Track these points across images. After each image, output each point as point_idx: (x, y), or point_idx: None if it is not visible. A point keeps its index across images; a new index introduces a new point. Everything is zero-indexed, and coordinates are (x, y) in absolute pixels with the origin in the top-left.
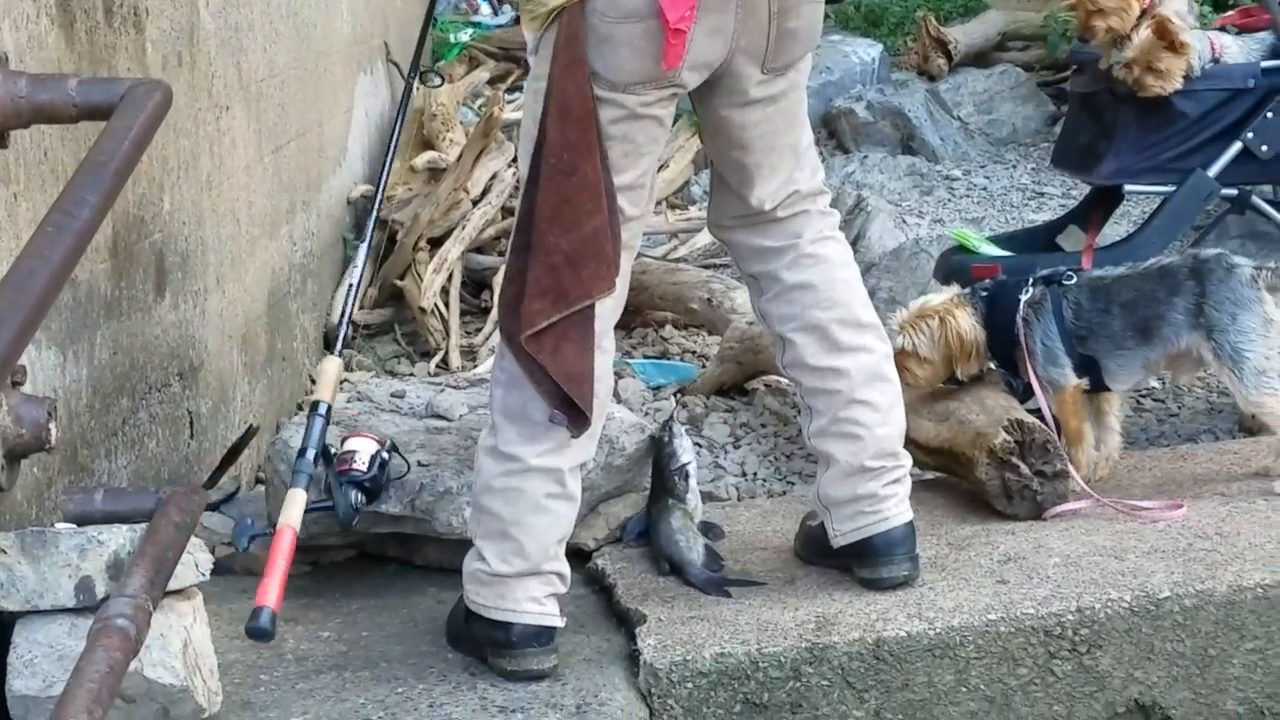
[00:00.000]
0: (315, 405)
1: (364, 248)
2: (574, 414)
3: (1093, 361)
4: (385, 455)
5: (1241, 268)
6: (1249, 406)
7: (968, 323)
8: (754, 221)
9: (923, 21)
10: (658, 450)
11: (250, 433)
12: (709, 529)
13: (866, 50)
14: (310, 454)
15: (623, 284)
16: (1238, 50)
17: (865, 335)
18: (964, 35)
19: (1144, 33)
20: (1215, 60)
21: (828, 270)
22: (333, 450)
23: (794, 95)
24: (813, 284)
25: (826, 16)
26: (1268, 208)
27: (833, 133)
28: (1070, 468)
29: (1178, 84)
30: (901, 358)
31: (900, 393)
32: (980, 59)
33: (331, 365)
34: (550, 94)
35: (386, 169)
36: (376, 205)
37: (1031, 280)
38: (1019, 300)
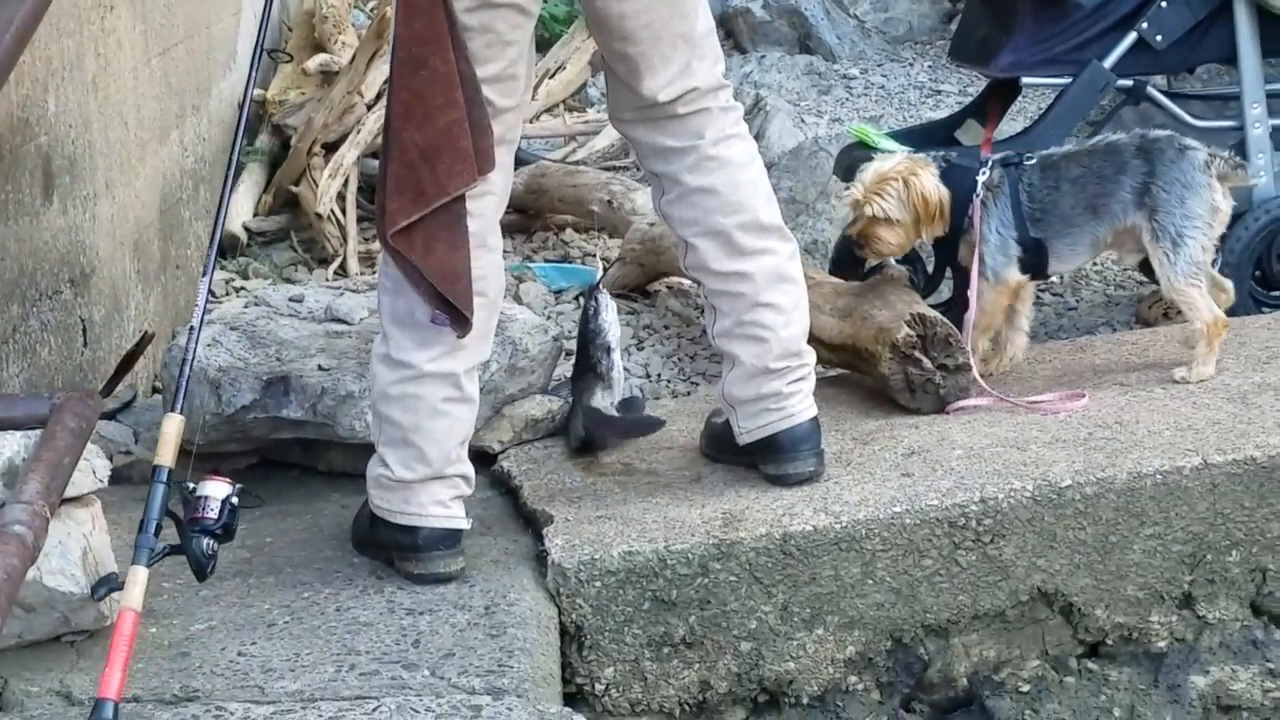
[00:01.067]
0: (155, 471)
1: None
2: (454, 314)
3: (1040, 246)
4: (234, 500)
5: (1195, 151)
6: (1172, 293)
7: (932, 182)
8: (653, 116)
9: None
10: (583, 323)
11: (145, 340)
12: (630, 404)
13: None
14: (152, 527)
15: (502, 178)
16: None
17: (769, 238)
18: None
19: None
20: None
21: (731, 173)
22: (189, 487)
23: None
24: (715, 188)
25: None
26: (1163, 99)
27: (730, 32)
28: (972, 359)
29: None
30: (871, 225)
31: (804, 291)
32: None
33: (172, 425)
34: None
35: (255, 63)
36: (244, 105)
37: (989, 161)
38: (976, 180)
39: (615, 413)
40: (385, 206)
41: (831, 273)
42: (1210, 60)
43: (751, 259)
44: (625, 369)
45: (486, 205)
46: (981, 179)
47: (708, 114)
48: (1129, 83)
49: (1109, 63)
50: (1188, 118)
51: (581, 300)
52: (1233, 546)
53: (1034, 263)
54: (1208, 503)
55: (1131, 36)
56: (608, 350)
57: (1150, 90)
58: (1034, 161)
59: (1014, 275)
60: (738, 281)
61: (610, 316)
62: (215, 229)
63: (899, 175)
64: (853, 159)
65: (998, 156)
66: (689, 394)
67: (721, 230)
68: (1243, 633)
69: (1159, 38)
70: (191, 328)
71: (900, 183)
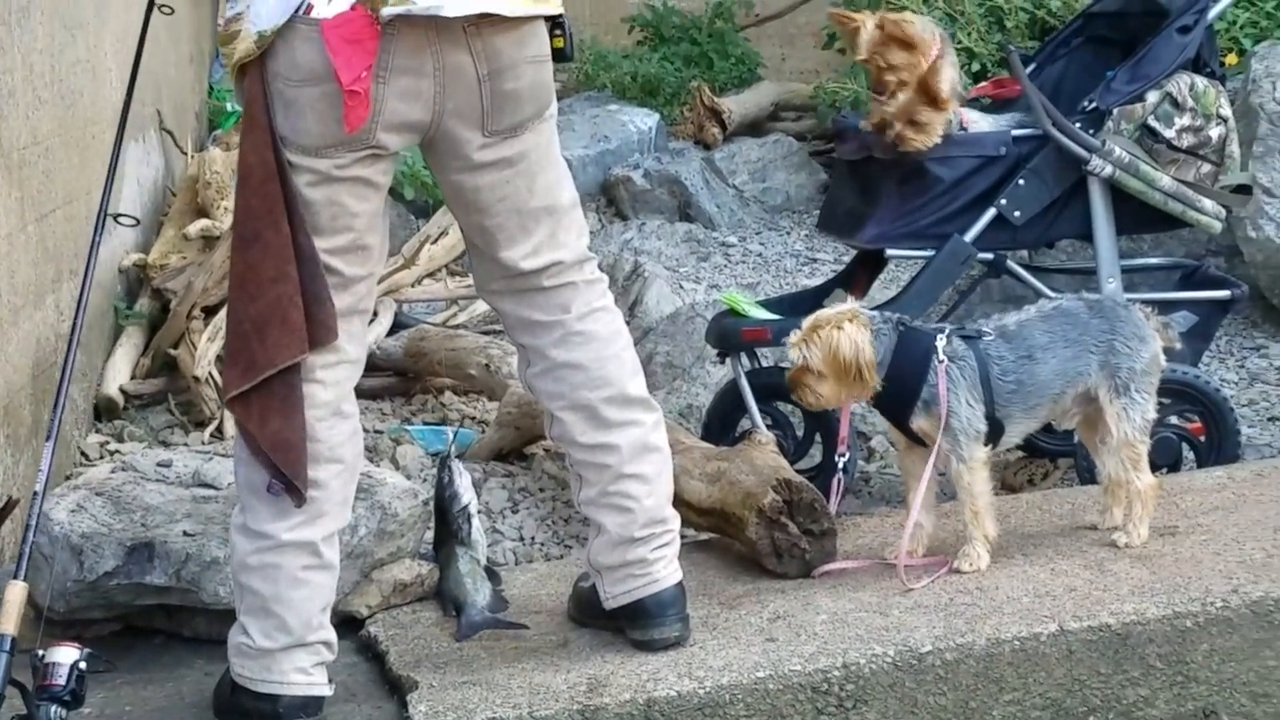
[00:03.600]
0: None
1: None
2: (289, 483)
3: (996, 422)
4: (83, 665)
5: (1134, 306)
6: (1125, 450)
7: (855, 337)
8: (519, 287)
9: (697, 91)
10: (439, 493)
11: (9, 506)
12: (492, 574)
13: (643, 120)
14: None
15: (355, 348)
16: (981, 120)
17: (634, 410)
18: (738, 105)
19: (907, 92)
20: (964, 129)
21: (597, 348)
22: (37, 654)
23: (535, 157)
24: (581, 364)
25: (603, 87)
26: (1022, 272)
27: (611, 200)
28: (905, 542)
29: (938, 138)
30: (800, 373)
31: (669, 459)
32: (754, 128)
33: (14, 592)
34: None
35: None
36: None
37: (946, 331)
38: (934, 346)
39: (483, 582)
40: (225, 375)
41: (704, 437)
42: (1067, 236)
43: (617, 432)
44: (498, 532)
45: (339, 374)
46: (941, 345)
47: (573, 288)
48: (990, 256)
49: (970, 236)
50: (1047, 291)
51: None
52: (1090, 713)
53: (989, 439)
54: (1065, 669)
55: (991, 212)
56: (468, 516)
57: (1010, 264)
58: (993, 336)
59: (982, 449)
60: (603, 454)
61: (465, 483)
62: (59, 393)
63: (829, 322)
64: (723, 327)
65: (955, 328)
66: (562, 557)
67: (587, 404)
68: None
69: (1017, 214)
70: (36, 494)
71: (827, 329)
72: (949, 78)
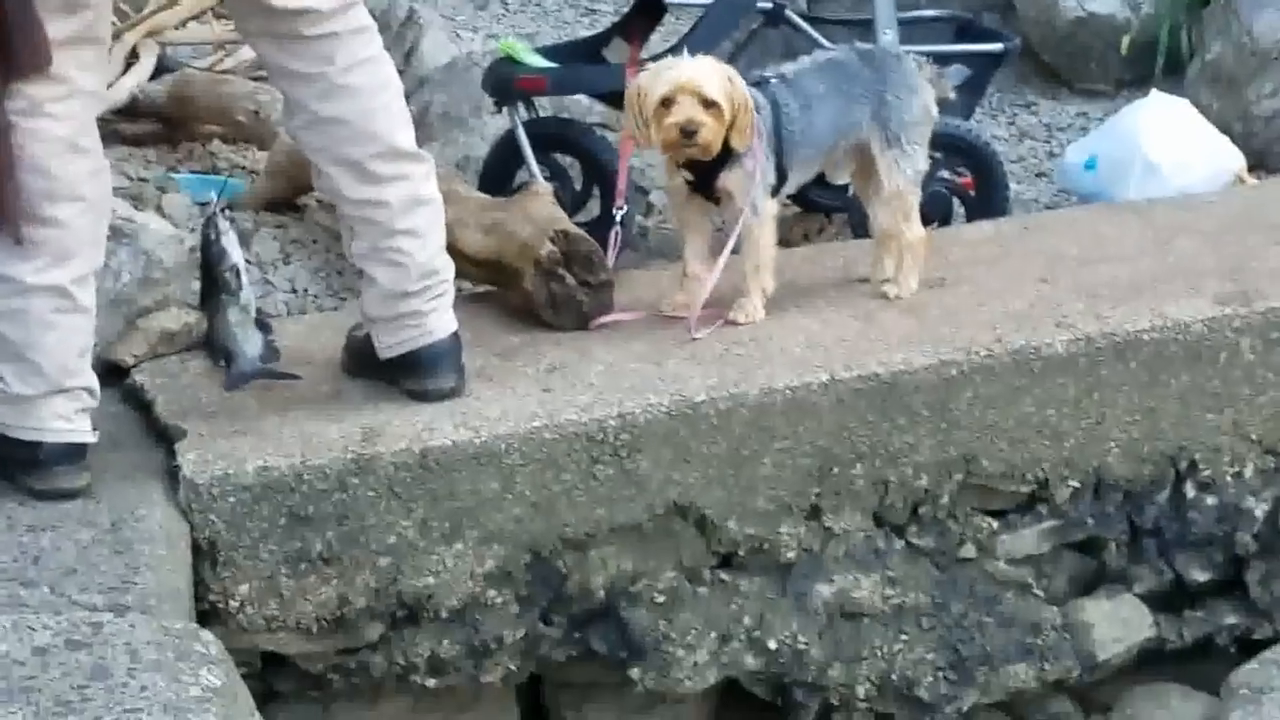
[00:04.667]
0: None
1: None
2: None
3: (782, 171)
4: None
5: (908, 57)
6: (896, 200)
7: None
8: (277, 32)
9: None
10: (204, 250)
11: None
12: (262, 324)
13: None
14: None
15: (90, 78)
16: None
17: (403, 163)
18: None
19: None
20: None
21: (363, 102)
22: None
23: None
24: (346, 118)
25: None
26: (801, 22)
27: None
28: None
29: None
30: (702, 115)
31: (440, 210)
32: None
33: None
34: None
35: None
36: None
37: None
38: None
39: (253, 332)
40: None
41: (481, 188)
42: None
43: (386, 186)
44: (270, 283)
45: (72, 106)
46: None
47: (336, 39)
48: (769, 5)
49: None
50: (825, 42)
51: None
52: (857, 460)
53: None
54: (834, 417)
55: None
56: (236, 273)
57: (789, 14)
58: (779, 82)
59: (773, 205)
60: (372, 209)
61: (232, 240)
62: None
63: (728, 75)
64: (499, 75)
65: (749, 76)
66: (336, 309)
67: (354, 160)
68: (866, 543)
69: None
70: None
71: (728, 81)
72: None
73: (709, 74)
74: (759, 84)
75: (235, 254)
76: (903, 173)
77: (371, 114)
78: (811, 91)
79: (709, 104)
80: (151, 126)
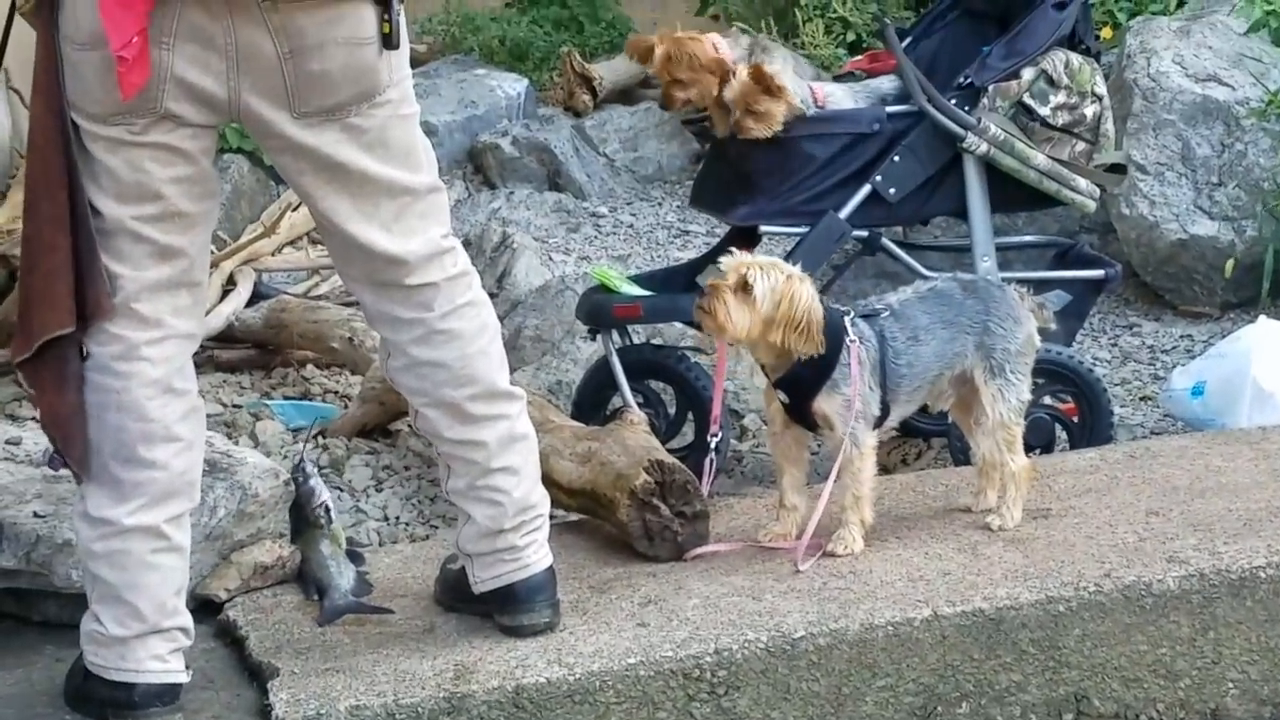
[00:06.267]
0: None
1: None
2: (66, 460)
3: (885, 405)
4: None
5: (1008, 287)
6: (1000, 431)
7: (815, 296)
8: (378, 278)
9: (567, 57)
10: (296, 492)
11: None
12: (355, 556)
13: (512, 85)
14: None
15: (184, 322)
16: (843, 95)
17: (499, 404)
18: (608, 72)
19: (741, 77)
20: (820, 107)
21: (461, 346)
22: None
23: (367, 141)
24: (445, 362)
25: (470, 50)
26: (897, 249)
27: (479, 168)
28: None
29: (778, 126)
30: (724, 286)
31: (535, 444)
32: (625, 96)
33: None
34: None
35: None
36: None
37: (849, 311)
38: (844, 324)
39: (346, 565)
40: (13, 342)
41: (574, 416)
42: (942, 213)
43: (484, 427)
44: (361, 511)
45: (168, 350)
46: (849, 324)
47: (434, 288)
48: (864, 233)
49: (844, 213)
50: (921, 269)
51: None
52: (962, 698)
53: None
54: (938, 654)
55: (865, 189)
56: (326, 509)
57: (884, 241)
58: (888, 314)
59: (874, 438)
60: (470, 449)
61: (319, 483)
62: None
63: (786, 271)
64: (594, 303)
65: (856, 307)
66: (428, 538)
67: (452, 402)
68: None
69: (892, 190)
70: None
71: (784, 276)
72: (781, 68)
73: (749, 263)
74: (869, 316)
75: (325, 494)
76: (1007, 402)
77: (470, 358)
78: (918, 323)
79: (744, 287)
80: (247, 352)
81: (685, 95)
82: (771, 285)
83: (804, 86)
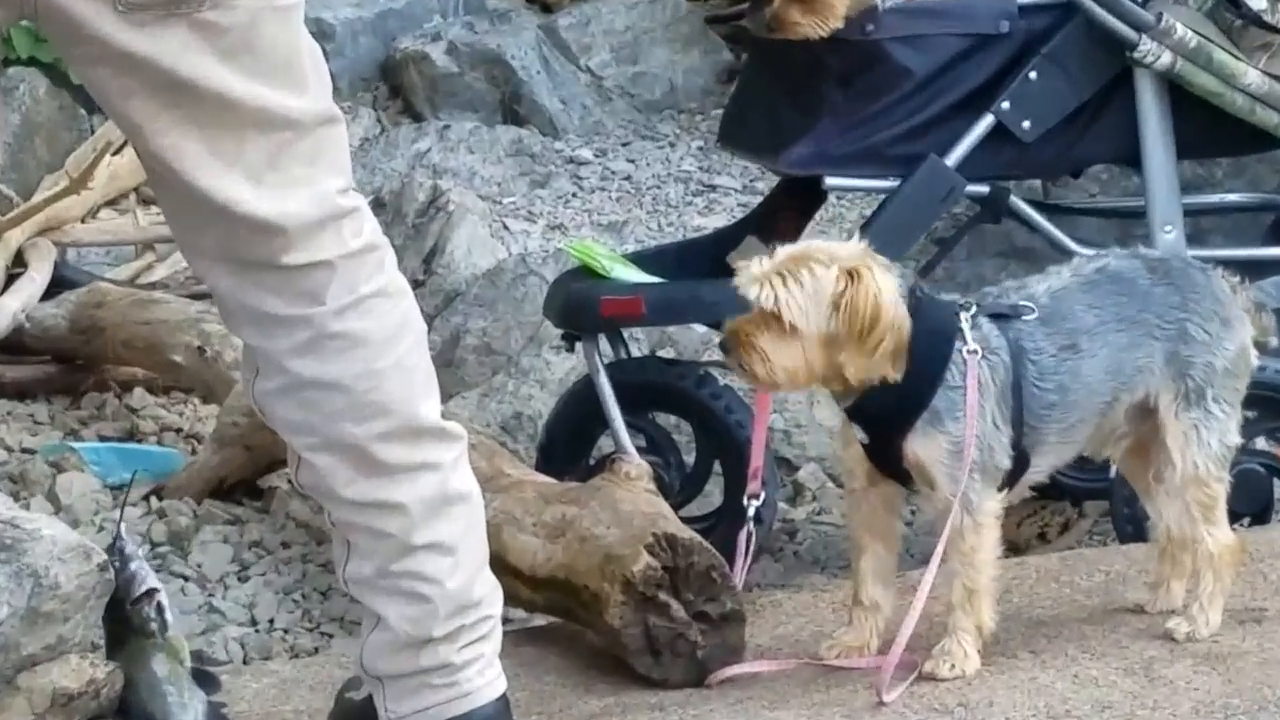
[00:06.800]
0: None
1: None
2: None
3: (1022, 453)
4: None
5: (1217, 273)
6: (1195, 488)
7: (891, 288)
8: (243, 259)
9: None
10: (114, 583)
11: None
12: (205, 678)
13: None
14: None
15: None
16: None
17: (425, 446)
18: None
19: None
20: None
21: (367, 359)
22: None
23: (226, 46)
24: (342, 383)
25: None
26: (1033, 213)
27: (397, 90)
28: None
29: (838, 22)
30: (751, 325)
31: (480, 505)
32: None
33: None
34: None
35: None
36: None
37: (972, 306)
38: (958, 327)
39: (192, 691)
40: None
41: (541, 466)
42: (1102, 159)
43: (401, 482)
44: (217, 611)
45: None
46: (968, 326)
47: (327, 267)
48: (984, 189)
49: (954, 158)
50: (1070, 243)
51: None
52: None
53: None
54: None
55: (987, 120)
56: (160, 609)
57: (1015, 201)
58: (1035, 315)
59: (996, 501)
60: (381, 516)
61: (141, 565)
62: None
63: (839, 262)
64: (572, 295)
65: (978, 301)
66: (316, 651)
67: (353, 444)
68: None
69: (1026, 124)
70: None
71: (834, 271)
72: None
73: (769, 275)
74: (1001, 317)
75: (151, 580)
76: (1205, 447)
77: (380, 377)
78: (1079, 324)
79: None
80: (43, 369)
81: None
82: (808, 295)
83: None
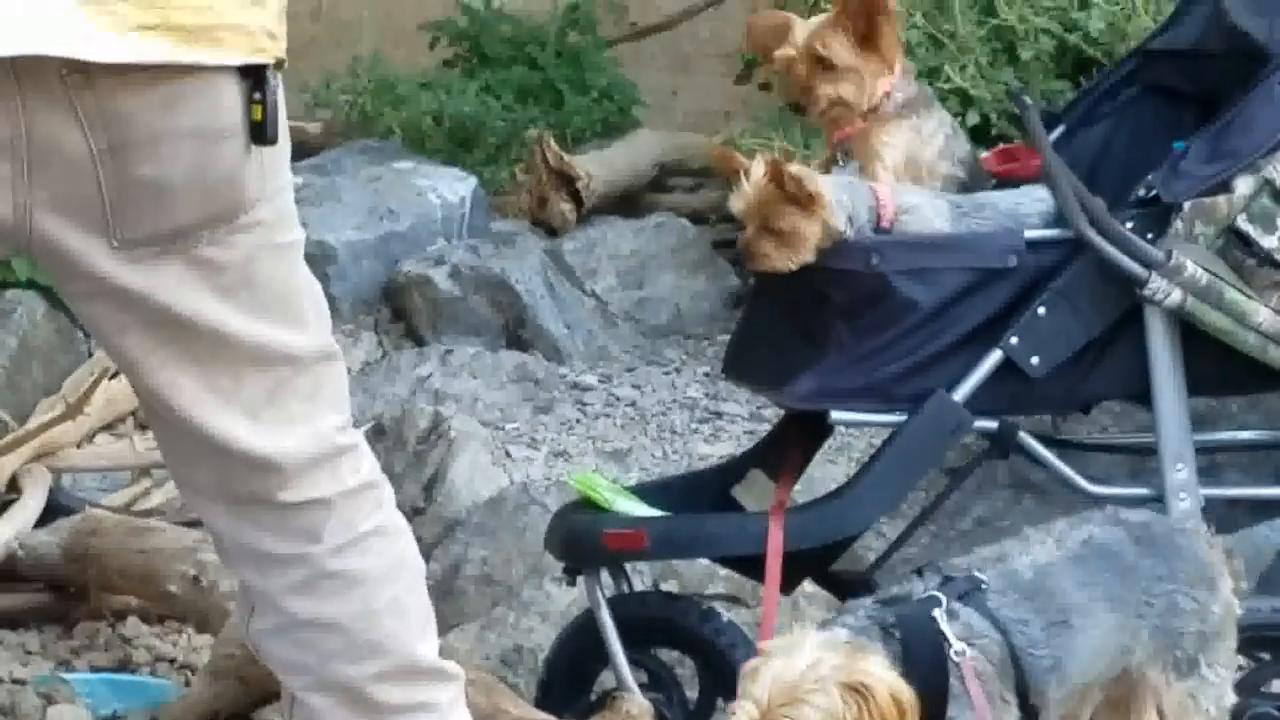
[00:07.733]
0: None
1: None
2: None
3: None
4: None
5: (1194, 531)
6: None
7: (889, 676)
8: (240, 495)
9: (538, 144)
10: None
11: None
12: None
13: (451, 186)
14: None
15: None
16: (932, 213)
17: (422, 685)
18: (601, 167)
19: (755, 176)
20: (880, 228)
21: (365, 598)
22: None
23: (225, 284)
24: (339, 623)
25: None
26: (1042, 450)
27: (399, 313)
28: None
29: (808, 256)
30: None
31: None
32: (627, 203)
33: None
34: None
35: None
36: None
37: (941, 601)
38: (940, 630)
39: None
40: None
41: (540, 701)
42: (1111, 395)
43: None
44: None
45: None
46: (944, 623)
47: (324, 505)
48: (992, 424)
49: (961, 394)
50: (1082, 482)
51: None
52: None
53: None
54: None
55: (995, 356)
56: None
57: (1024, 437)
58: (999, 588)
59: None
60: None
61: None
62: None
63: (837, 682)
64: (574, 528)
65: (951, 582)
66: None
67: (349, 685)
68: None
69: (1035, 360)
70: None
71: (841, 694)
72: (935, 150)
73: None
74: (967, 596)
75: None
76: (1204, 714)
77: (377, 617)
78: (1067, 600)
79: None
80: (35, 596)
81: (836, 92)
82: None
83: (862, 190)
